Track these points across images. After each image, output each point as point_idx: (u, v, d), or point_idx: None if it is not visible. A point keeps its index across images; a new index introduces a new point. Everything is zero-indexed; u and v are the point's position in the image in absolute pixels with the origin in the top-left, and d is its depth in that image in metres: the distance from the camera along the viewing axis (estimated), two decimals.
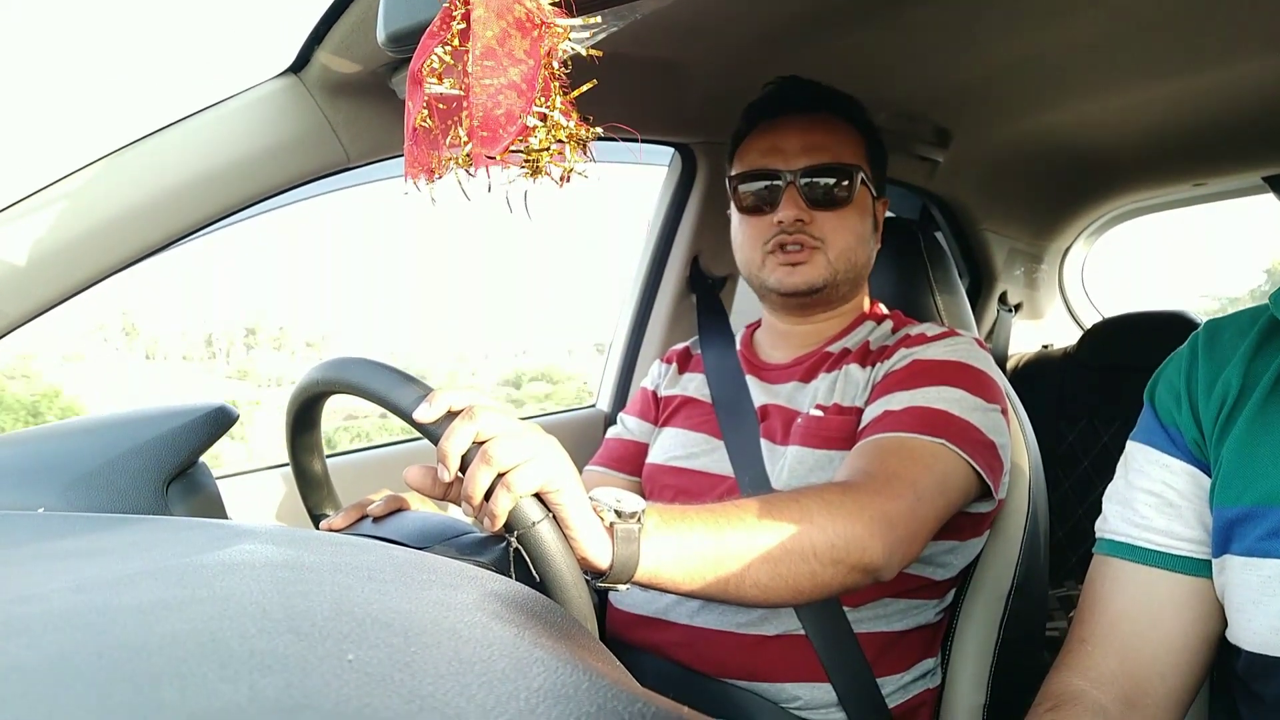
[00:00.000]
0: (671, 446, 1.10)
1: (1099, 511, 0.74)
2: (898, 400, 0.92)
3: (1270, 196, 1.82)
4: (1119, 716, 0.65)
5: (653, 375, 1.24)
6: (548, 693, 0.28)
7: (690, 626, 0.96)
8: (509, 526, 0.61)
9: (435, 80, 0.54)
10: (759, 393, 1.07)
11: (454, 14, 0.52)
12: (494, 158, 0.52)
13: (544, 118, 0.52)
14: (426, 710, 0.26)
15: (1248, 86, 1.39)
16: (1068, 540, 1.96)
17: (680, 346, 1.25)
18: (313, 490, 0.85)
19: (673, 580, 0.68)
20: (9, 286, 0.84)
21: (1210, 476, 0.66)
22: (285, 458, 0.84)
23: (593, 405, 1.62)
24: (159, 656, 0.29)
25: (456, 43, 0.52)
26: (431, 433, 0.63)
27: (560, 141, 0.53)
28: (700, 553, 0.69)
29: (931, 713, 1.00)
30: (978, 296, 2.10)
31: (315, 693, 0.26)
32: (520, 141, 0.52)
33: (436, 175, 0.56)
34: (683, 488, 1.04)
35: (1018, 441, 1.04)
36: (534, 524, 0.60)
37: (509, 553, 0.61)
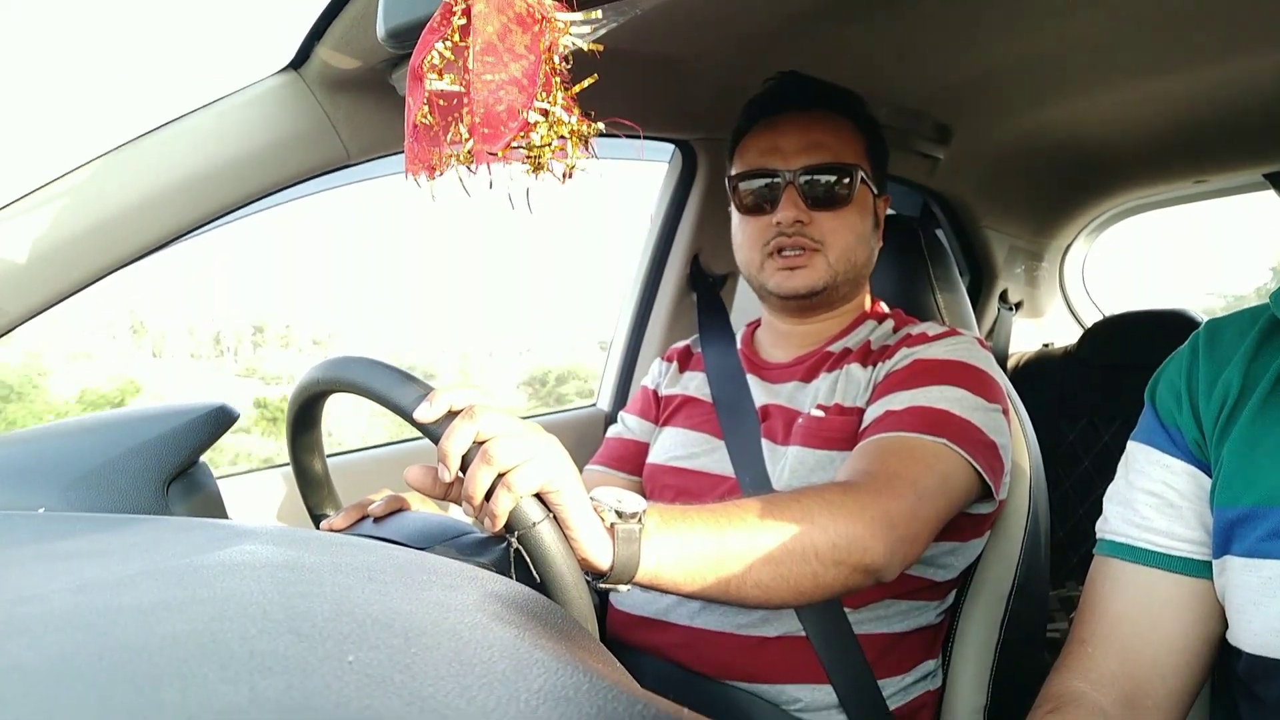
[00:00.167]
0: (672, 446, 1.09)
1: (1100, 511, 0.74)
2: (899, 400, 0.91)
3: (1273, 193, 1.82)
4: (1119, 718, 0.65)
5: (653, 374, 1.23)
6: (548, 694, 0.28)
7: (691, 628, 0.96)
8: (509, 527, 0.60)
9: (436, 76, 0.53)
10: (760, 392, 1.07)
11: (454, 9, 0.52)
12: (495, 154, 0.52)
13: (545, 113, 0.52)
14: (427, 712, 0.26)
15: (1248, 83, 1.39)
16: (1068, 540, 1.95)
17: (681, 345, 1.24)
18: (313, 490, 0.84)
19: (674, 581, 0.68)
20: (10, 284, 0.84)
21: (1211, 477, 0.66)
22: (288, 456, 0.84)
23: (593, 404, 1.62)
24: (160, 657, 0.29)
25: (457, 38, 0.52)
26: (432, 432, 0.63)
27: (562, 137, 0.53)
28: (701, 553, 0.68)
29: (932, 714, 1.00)
30: (978, 294, 2.10)
31: (316, 694, 0.26)
32: (522, 137, 0.52)
33: (437, 172, 0.56)
34: (683, 488, 1.04)
35: (1018, 441, 1.03)
36: (534, 524, 0.60)
37: (509, 553, 0.61)
